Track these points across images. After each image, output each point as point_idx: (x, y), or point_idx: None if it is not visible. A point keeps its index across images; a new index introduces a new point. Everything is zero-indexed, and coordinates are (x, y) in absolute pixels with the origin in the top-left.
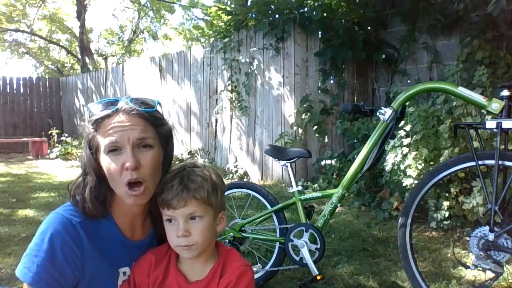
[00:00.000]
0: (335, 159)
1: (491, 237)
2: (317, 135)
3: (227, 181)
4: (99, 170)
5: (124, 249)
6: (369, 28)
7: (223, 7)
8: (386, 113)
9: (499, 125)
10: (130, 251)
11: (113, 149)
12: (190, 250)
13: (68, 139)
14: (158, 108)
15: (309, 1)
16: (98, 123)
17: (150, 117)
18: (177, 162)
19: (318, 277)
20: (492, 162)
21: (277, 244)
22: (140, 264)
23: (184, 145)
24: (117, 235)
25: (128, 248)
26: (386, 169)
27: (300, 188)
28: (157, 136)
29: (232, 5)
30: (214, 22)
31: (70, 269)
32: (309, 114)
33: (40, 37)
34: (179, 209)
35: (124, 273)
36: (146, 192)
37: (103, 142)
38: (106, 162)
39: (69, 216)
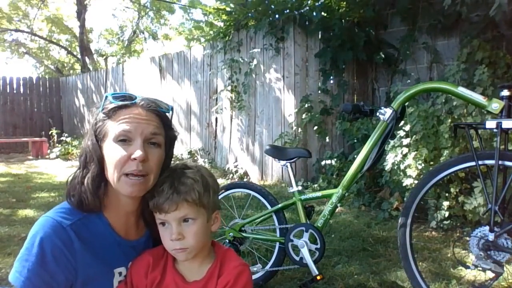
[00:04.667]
0: (335, 159)
1: (491, 237)
2: (317, 135)
3: (227, 181)
4: (102, 158)
5: (119, 249)
6: (368, 28)
7: (223, 7)
8: (386, 113)
9: (499, 125)
10: (125, 251)
11: (123, 139)
12: (185, 253)
13: (68, 139)
14: (171, 112)
15: (309, 1)
16: (114, 111)
17: (164, 118)
18: (177, 162)
19: (318, 277)
20: (492, 162)
21: (277, 244)
22: (137, 265)
23: (184, 145)
24: (110, 234)
25: (122, 247)
26: (386, 169)
27: (300, 188)
28: (165, 137)
29: (232, 5)
30: (215, 21)
31: (61, 273)
32: (309, 114)
33: (40, 37)
34: (171, 213)
35: (120, 273)
36: (144, 184)
37: (114, 129)
38: (113, 149)
39: (59, 219)
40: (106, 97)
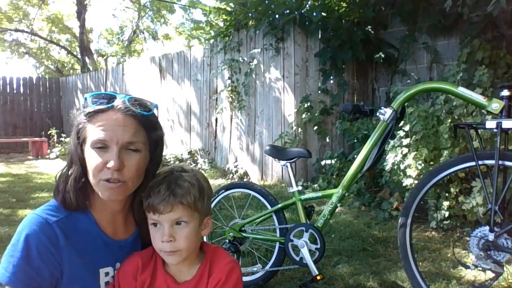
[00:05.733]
0: (335, 159)
1: (491, 237)
2: (317, 135)
3: (227, 181)
4: (83, 160)
5: (106, 248)
6: (369, 27)
7: (223, 7)
8: (386, 113)
9: (499, 125)
10: (113, 251)
11: (99, 146)
12: (175, 256)
13: (67, 140)
14: (155, 111)
15: (309, 1)
16: (92, 115)
17: (145, 120)
18: (177, 162)
19: (318, 277)
20: (492, 162)
21: (277, 244)
22: (125, 267)
23: (184, 145)
24: (97, 233)
25: (110, 247)
26: (386, 169)
27: (300, 188)
28: (147, 140)
29: (232, 5)
30: (215, 20)
31: (47, 269)
32: (309, 114)
33: (40, 37)
34: (165, 214)
35: (107, 274)
36: (122, 189)
37: (91, 135)
38: (90, 155)
39: (45, 216)
40: (86, 98)
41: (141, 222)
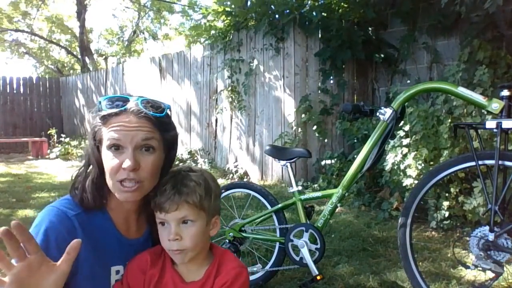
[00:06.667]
0: (335, 159)
1: (491, 237)
2: (317, 135)
3: (227, 181)
4: (100, 162)
5: (119, 247)
6: (369, 28)
7: (222, 9)
8: (386, 113)
9: (499, 125)
10: (125, 249)
11: (115, 147)
12: (181, 255)
13: (67, 140)
14: (168, 112)
15: (309, 1)
16: (105, 118)
17: (158, 122)
18: (177, 162)
19: (318, 277)
20: (492, 162)
21: (277, 244)
22: (134, 263)
23: (184, 145)
24: (112, 230)
25: (123, 245)
26: (386, 169)
27: (300, 188)
28: (162, 140)
29: (232, 6)
30: (214, 22)
31: None
32: (309, 114)
33: (40, 37)
34: (171, 213)
35: (118, 272)
36: (138, 191)
37: (106, 136)
38: (106, 157)
39: (64, 209)
40: (100, 102)
41: (152, 222)
